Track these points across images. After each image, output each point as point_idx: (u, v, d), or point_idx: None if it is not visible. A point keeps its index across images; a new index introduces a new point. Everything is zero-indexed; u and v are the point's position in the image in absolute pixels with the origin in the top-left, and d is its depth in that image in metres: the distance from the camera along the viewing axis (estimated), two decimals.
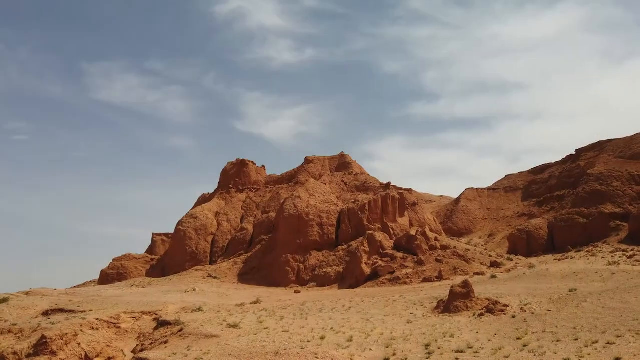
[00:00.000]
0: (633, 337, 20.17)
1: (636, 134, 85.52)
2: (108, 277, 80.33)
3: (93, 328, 32.49)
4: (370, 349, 22.51)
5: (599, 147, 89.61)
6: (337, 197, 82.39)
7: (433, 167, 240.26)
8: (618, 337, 20.42)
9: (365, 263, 59.93)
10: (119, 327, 34.74)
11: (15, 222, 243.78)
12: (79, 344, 26.58)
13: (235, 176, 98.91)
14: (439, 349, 21.45)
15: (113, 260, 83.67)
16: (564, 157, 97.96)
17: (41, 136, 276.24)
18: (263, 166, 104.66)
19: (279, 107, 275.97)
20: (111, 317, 35.77)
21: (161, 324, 33.99)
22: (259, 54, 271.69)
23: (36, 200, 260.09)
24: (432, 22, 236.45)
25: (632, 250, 56.25)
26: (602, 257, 55.82)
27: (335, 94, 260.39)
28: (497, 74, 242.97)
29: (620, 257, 54.29)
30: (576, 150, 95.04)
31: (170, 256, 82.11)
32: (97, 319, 34.35)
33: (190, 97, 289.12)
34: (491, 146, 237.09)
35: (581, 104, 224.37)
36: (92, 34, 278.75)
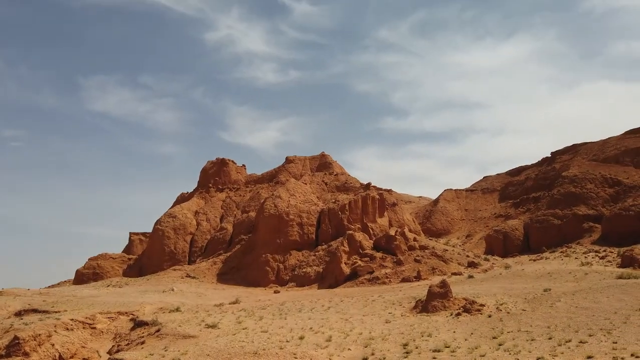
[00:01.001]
0: (604, 336, 20.70)
1: (609, 138, 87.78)
2: (83, 277, 78.86)
3: (67, 329, 31.91)
4: (349, 349, 22.62)
5: (573, 150, 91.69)
6: (317, 197, 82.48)
7: (408, 175, 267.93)
8: (590, 336, 20.93)
9: (345, 263, 60.14)
10: (94, 328, 34.18)
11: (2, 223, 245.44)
12: (53, 344, 26.04)
13: (215, 175, 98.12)
14: (416, 348, 21.67)
15: (89, 259, 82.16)
16: (539, 160, 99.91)
17: (37, 143, 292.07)
18: (243, 165, 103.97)
19: (263, 120, 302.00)
20: (86, 318, 35.17)
21: (138, 324, 33.57)
22: (246, 73, 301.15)
23: (23, 201, 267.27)
24: (399, 51, 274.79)
25: (605, 251, 57.70)
26: (576, 258, 57.12)
27: (316, 109, 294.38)
28: (460, 95, 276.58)
29: (592, 257, 55.64)
30: (551, 153, 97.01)
31: (148, 256, 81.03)
32: (71, 320, 33.74)
33: (179, 109, 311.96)
34: (460, 157, 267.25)
35: (538, 122, 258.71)
36: (90, 53, 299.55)
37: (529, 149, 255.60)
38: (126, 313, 38.23)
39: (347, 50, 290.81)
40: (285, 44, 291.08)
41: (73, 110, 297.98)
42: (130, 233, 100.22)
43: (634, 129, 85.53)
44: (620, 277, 37.79)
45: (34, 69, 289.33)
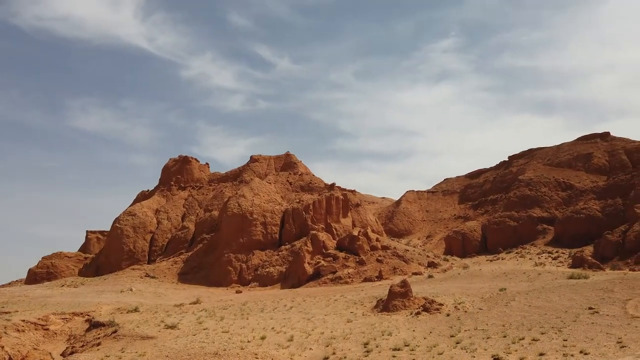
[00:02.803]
0: (556, 333, 21.60)
1: (563, 144, 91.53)
2: (36, 276, 75.77)
3: (18, 330, 30.68)
4: (311, 349, 22.72)
5: (529, 155, 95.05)
6: (281, 196, 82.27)
7: (365, 186, 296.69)
8: (542, 333, 21.80)
9: (308, 263, 60.26)
10: (47, 329, 32.98)
11: None
12: (2, 347, 24.94)
13: (177, 173, 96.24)
14: (377, 347, 21.99)
15: (42, 258, 78.93)
16: (497, 163, 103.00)
17: (16, 152, 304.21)
18: (207, 163, 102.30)
19: (232, 138, 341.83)
20: (39, 319, 33.90)
21: (94, 325, 32.63)
22: (217, 103, 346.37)
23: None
24: (346, 90, 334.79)
25: (557, 252, 60.17)
26: (530, 259, 59.32)
27: (281, 132, 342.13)
28: (400, 124, 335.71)
29: (546, 258, 57.97)
30: (509, 157, 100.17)
31: (106, 255, 78.69)
32: (23, 321, 32.46)
33: (154, 127, 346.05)
34: (409, 172, 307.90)
35: (468, 147, 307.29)
36: (78, 82, 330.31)
37: (466, 167, 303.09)
38: (81, 314, 37.07)
39: (302, 89, 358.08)
40: (254, 84, 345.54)
41: (55, 126, 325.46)
42: (87, 231, 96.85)
43: (586, 136, 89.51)
44: (571, 277, 39.52)
45: (26, 93, 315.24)
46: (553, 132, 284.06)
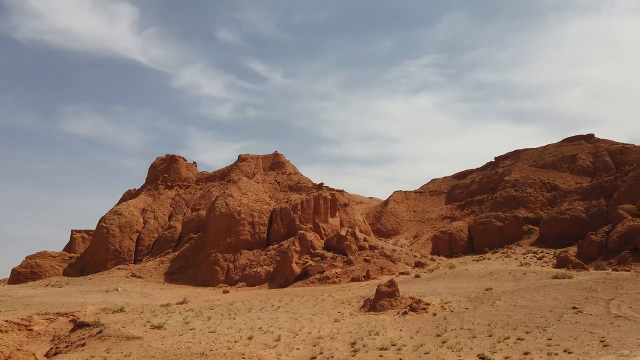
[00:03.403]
0: (540, 333, 21.87)
1: (548, 145, 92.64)
2: (20, 276, 74.76)
3: (1, 330, 30.23)
4: (298, 348, 22.72)
5: (515, 156, 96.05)
6: (269, 196, 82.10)
7: (351, 189, 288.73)
8: (527, 333, 22.05)
9: (296, 262, 60.22)
10: (30, 330, 32.53)
11: None
12: None
13: (165, 172, 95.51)
14: (364, 346, 22.06)
15: (26, 258, 77.95)
16: (484, 164, 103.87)
17: (9, 154, 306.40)
18: (194, 163, 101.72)
19: (222, 142, 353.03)
20: (22, 319, 33.43)
21: (79, 325, 32.24)
22: (206, 111, 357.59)
23: None
24: (328, 99, 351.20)
25: (542, 252, 60.90)
26: (515, 259, 59.96)
27: (269, 138, 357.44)
28: (380, 132, 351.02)
29: (531, 258, 58.63)
30: (495, 158, 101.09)
31: (91, 254, 77.86)
32: (5, 321, 31.98)
33: (146, 131, 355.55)
34: (392, 176, 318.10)
35: (447, 153, 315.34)
36: (72, 89, 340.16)
37: (448, 172, 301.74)
38: (66, 314, 36.63)
39: (288, 100, 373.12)
40: (243, 93, 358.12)
41: (48, 130, 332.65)
42: (72, 230, 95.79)
43: (570, 137, 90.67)
44: (555, 277, 40.02)
45: (20, 99, 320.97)
46: (529, 141, 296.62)
